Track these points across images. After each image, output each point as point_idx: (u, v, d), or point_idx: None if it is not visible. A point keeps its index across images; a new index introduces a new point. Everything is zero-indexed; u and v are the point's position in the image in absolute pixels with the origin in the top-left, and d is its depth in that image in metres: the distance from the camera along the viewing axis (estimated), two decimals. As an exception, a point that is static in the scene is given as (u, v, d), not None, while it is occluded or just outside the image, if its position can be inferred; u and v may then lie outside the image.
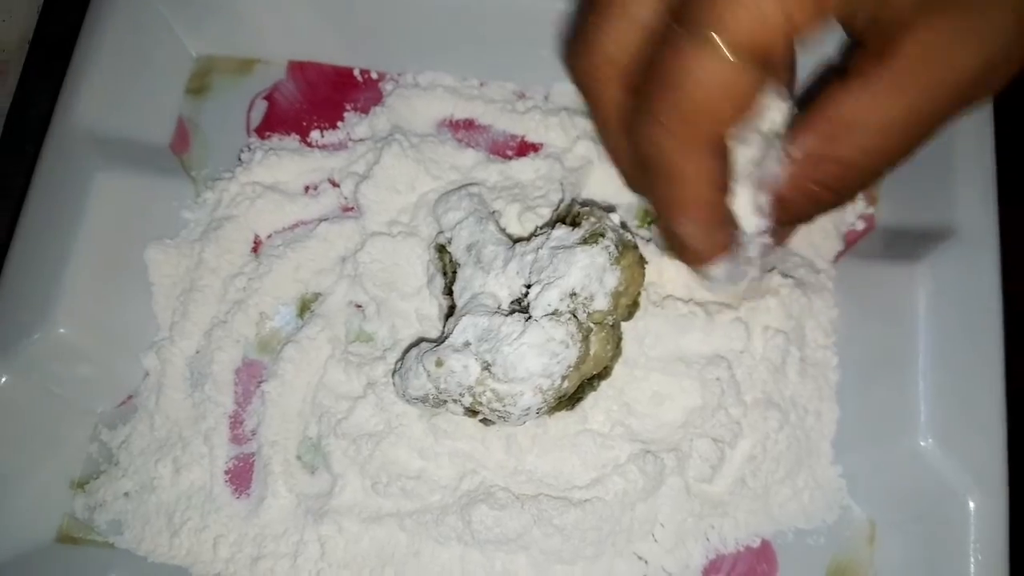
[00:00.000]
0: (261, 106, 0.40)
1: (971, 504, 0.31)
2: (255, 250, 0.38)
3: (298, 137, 0.40)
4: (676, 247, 0.29)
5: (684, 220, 0.27)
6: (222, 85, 0.41)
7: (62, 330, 0.35)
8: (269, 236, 0.38)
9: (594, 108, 0.28)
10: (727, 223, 0.28)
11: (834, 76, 0.25)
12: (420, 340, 0.34)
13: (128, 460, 0.36)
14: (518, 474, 0.33)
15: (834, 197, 0.25)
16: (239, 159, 0.39)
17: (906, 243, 0.35)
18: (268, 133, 0.40)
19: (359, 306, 0.37)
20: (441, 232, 0.35)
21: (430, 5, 0.38)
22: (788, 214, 0.27)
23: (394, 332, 0.36)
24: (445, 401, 0.31)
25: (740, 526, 0.33)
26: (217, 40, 0.41)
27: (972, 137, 0.34)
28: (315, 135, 0.40)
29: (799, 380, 0.34)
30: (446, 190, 0.36)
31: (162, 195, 0.38)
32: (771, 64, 0.23)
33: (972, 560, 0.31)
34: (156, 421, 0.36)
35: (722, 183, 0.26)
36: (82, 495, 0.36)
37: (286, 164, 0.39)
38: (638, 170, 0.27)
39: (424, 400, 0.31)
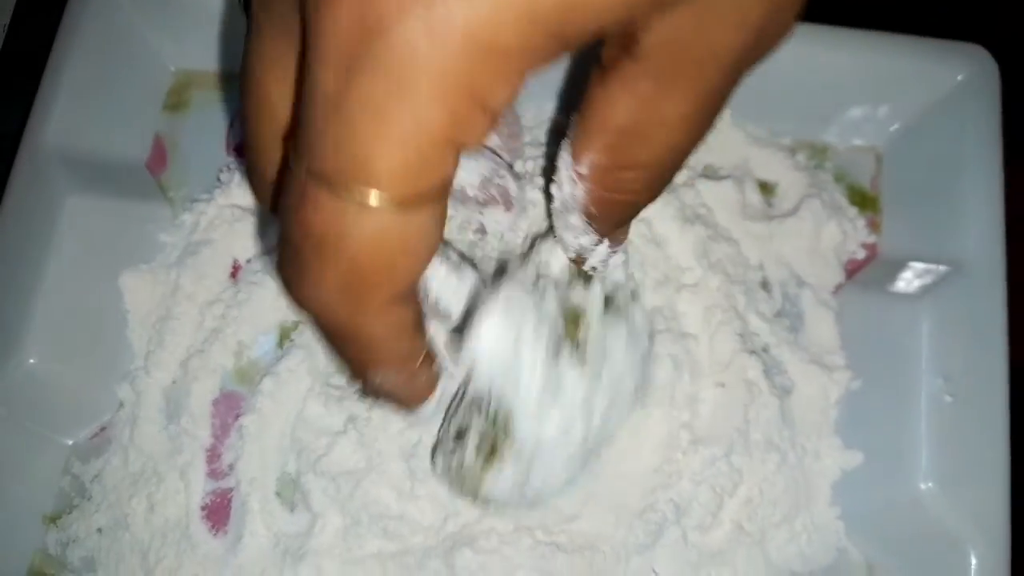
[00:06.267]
0: (241, 123, 0.39)
1: (973, 558, 0.30)
2: (234, 275, 0.37)
3: (279, 156, 0.38)
4: (380, 397, 0.25)
5: (383, 373, 0.23)
6: (201, 101, 0.39)
7: (32, 360, 0.34)
8: (248, 260, 0.37)
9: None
10: (431, 361, 0.24)
11: (592, 67, 0.20)
12: None
13: (101, 495, 0.34)
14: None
15: (644, 194, 0.23)
16: (218, 179, 0.38)
17: (910, 276, 0.33)
18: (248, 152, 0.38)
19: (341, 335, 0.35)
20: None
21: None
22: (606, 224, 0.24)
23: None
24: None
25: (739, 574, 0.32)
26: (196, 53, 0.39)
27: (980, 167, 0.33)
28: (297, 154, 0.38)
29: (799, 416, 0.33)
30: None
31: (137, 217, 0.37)
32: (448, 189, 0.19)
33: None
34: (130, 455, 0.34)
35: (417, 326, 0.23)
36: (54, 530, 0.34)
37: (266, 185, 0.37)
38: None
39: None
